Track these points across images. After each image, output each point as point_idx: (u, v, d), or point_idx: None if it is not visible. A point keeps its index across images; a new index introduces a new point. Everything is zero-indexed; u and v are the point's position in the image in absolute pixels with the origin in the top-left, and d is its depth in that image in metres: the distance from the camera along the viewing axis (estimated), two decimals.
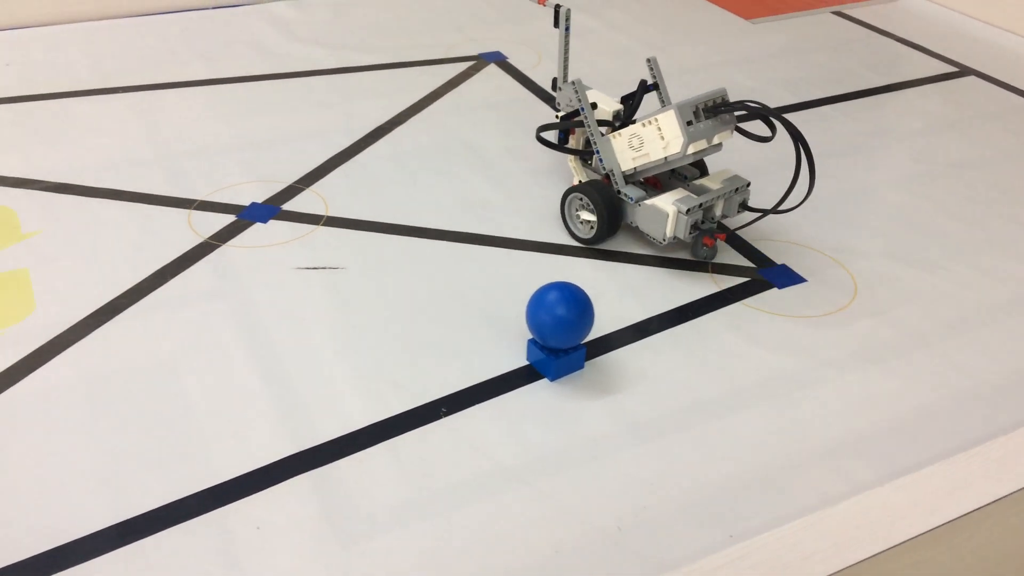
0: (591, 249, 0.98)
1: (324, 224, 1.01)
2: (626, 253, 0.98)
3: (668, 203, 0.91)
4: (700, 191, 0.94)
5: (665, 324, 0.88)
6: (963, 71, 1.46)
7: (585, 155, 1.00)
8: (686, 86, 1.36)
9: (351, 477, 0.71)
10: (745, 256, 0.99)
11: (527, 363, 0.83)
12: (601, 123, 0.97)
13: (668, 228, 0.92)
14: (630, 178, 0.96)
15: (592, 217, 0.96)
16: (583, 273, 0.94)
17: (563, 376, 0.81)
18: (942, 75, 1.44)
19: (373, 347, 0.84)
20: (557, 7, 0.98)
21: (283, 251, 0.96)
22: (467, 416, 0.77)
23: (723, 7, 1.67)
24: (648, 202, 0.92)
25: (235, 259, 0.95)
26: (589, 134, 0.95)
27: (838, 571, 0.62)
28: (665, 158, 0.92)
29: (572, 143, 1.03)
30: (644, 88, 1.01)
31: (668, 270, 0.96)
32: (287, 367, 0.81)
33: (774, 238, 1.02)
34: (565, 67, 1.02)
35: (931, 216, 1.07)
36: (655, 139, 0.91)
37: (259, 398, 0.78)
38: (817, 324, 0.89)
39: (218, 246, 0.96)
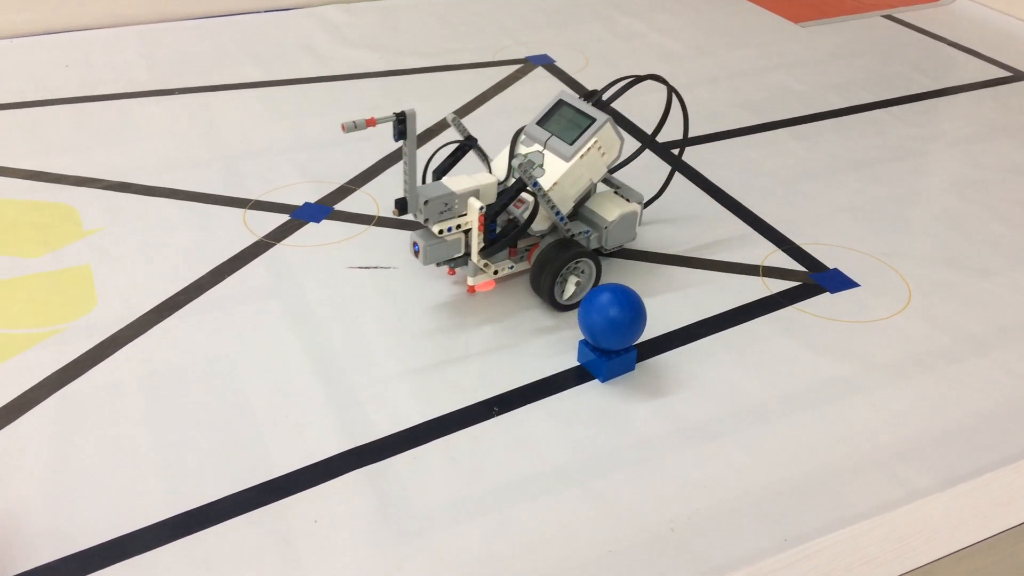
0: (642, 252, 0.98)
1: (376, 224, 1.02)
2: (676, 256, 0.98)
3: (621, 205, 0.91)
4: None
5: (716, 327, 0.88)
6: (1017, 75, 1.43)
7: (524, 230, 0.85)
8: (736, 91, 1.35)
9: (406, 473, 0.72)
10: (796, 260, 0.98)
11: (578, 364, 0.83)
12: (502, 194, 0.85)
13: (639, 222, 0.94)
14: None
15: (581, 277, 0.88)
16: (633, 275, 0.95)
17: (614, 377, 0.82)
18: (996, 80, 1.42)
19: (425, 346, 0.85)
20: (401, 115, 0.79)
21: (336, 250, 0.97)
22: (518, 416, 0.78)
23: (771, 10, 1.66)
24: (615, 216, 0.90)
25: (289, 258, 0.96)
26: (540, 197, 0.83)
27: None
28: (607, 168, 0.89)
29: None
30: (468, 145, 0.91)
31: (718, 273, 0.96)
32: (341, 364, 0.82)
33: (826, 242, 1.01)
34: (414, 177, 0.82)
35: (985, 222, 1.06)
36: (596, 160, 0.87)
37: (315, 394, 0.79)
38: (871, 329, 0.88)
39: (273, 245, 0.98)
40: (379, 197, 1.07)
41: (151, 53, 1.41)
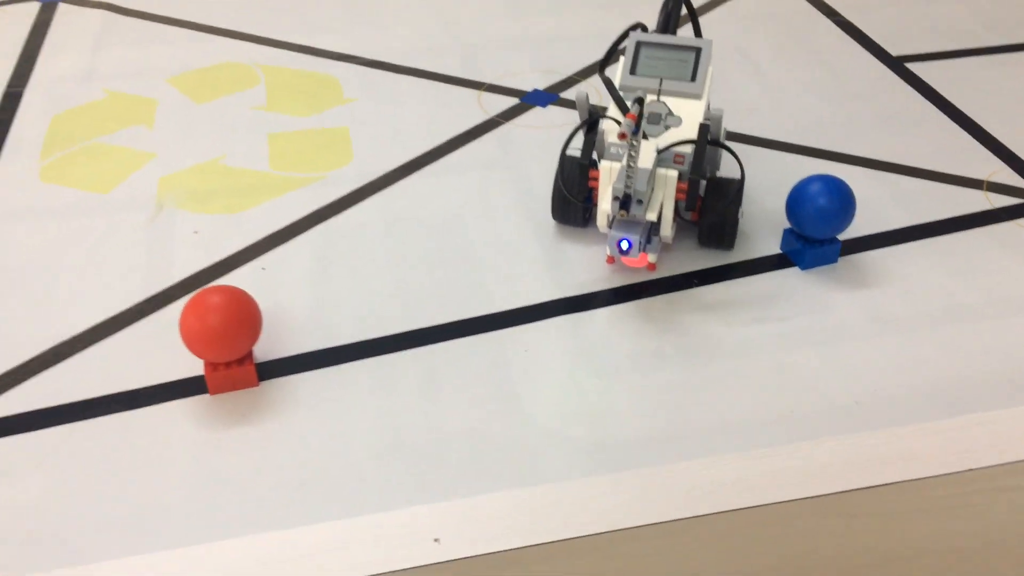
0: (861, 157, 0.99)
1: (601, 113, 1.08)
2: (896, 164, 0.98)
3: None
4: None
5: (928, 233, 0.88)
6: None
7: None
8: (981, 12, 1.28)
9: (607, 324, 0.79)
10: None
11: (780, 252, 0.86)
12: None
13: None
14: None
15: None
16: (850, 175, 0.95)
17: (815, 267, 0.84)
18: None
19: None
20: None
21: (559, 133, 1.05)
22: (716, 289, 0.83)
23: None
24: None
25: (516, 136, 1.05)
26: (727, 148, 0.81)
27: None
28: None
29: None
30: (595, 120, 0.85)
31: (939, 184, 0.95)
32: (555, 229, 0.90)
33: None
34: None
35: None
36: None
37: (530, 250, 0.88)
38: None
39: (502, 123, 1.07)
40: (602, 88, 1.13)
41: None
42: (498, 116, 1.09)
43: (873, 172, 0.97)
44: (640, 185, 0.74)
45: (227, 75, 1.16)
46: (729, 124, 1.05)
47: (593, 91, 1.13)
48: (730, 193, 0.82)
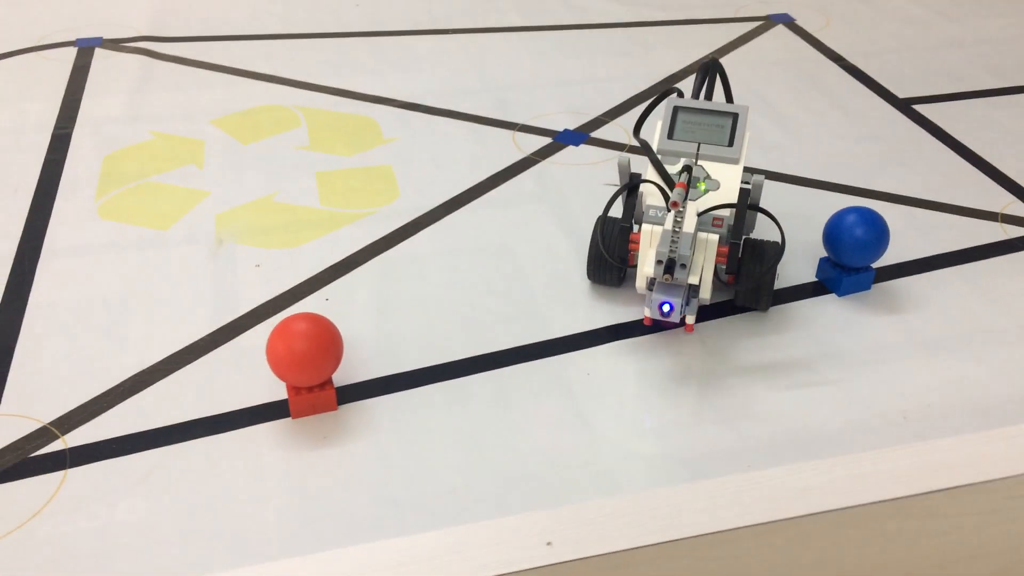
0: (881, 192, 1.05)
1: (627, 151, 1.14)
2: (914, 198, 1.04)
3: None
4: None
5: (952, 262, 0.94)
6: None
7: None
8: (983, 56, 1.37)
9: (660, 349, 0.84)
10: None
11: (816, 280, 0.92)
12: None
13: None
14: None
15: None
16: (870, 207, 1.01)
17: (851, 294, 0.90)
18: None
19: None
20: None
21: (593, 170, 1.10)
22: (758, 314, 0.88)
23: None
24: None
25: (553, 173, 1.10)
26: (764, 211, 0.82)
27: None
28: None
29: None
30: (636, 184, 0.85)
31: (956, 216, 1.01)
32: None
33: None
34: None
35: None
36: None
37: (579, 279, 0.92)
38: None
39: (538, 161, 1.12)
40: (629, 128, 1.19)
41: None
42: (534, 154, 1.14)
43: (891, 205, 1.03)
44: (684, 249, 0.76)
45: (269, 117, 1.21)
46: (753, 161, 1.11)
47: (620, 129, 1.19)
48: (768, 258, 0.83)
